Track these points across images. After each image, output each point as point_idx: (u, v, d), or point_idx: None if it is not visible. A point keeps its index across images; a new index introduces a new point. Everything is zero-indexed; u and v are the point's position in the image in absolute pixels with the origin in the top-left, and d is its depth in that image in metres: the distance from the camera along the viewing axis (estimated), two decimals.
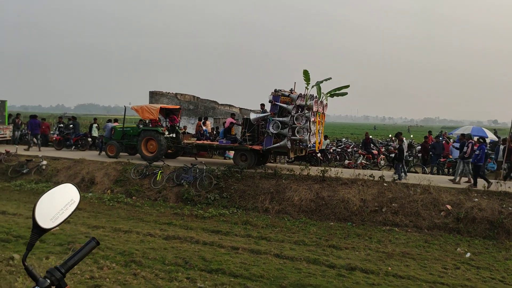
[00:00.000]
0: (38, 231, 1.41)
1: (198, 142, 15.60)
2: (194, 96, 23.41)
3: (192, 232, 9.28)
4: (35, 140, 18.31)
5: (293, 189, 11.81)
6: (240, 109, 22.87)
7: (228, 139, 14.59)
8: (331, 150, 18.41)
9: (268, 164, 14.68)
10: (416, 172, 14.86)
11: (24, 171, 14.55)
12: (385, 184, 11.52)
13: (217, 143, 14.79)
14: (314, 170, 12.56)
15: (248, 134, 13.91)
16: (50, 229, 1.44)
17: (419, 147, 19.94)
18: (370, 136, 18.62)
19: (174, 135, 16.04)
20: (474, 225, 9.80)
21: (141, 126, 16.29)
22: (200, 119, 17.94)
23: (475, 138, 13.59)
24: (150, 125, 15.79)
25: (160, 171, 13.27)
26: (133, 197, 12.48)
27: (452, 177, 12.67)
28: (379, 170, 15.44)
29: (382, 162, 17.32)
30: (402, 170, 12.56)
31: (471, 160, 11.73)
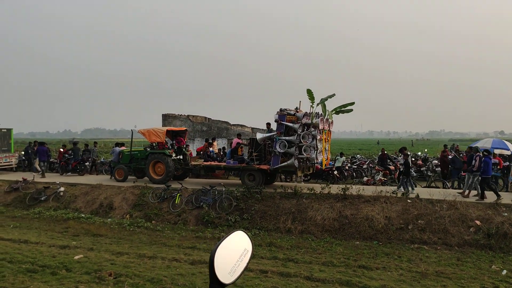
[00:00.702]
0: (218, 286, 1.36)
1: (205, 163, 15.61)
2: (205, 117, 23.52)
3: None
4: (37, 167, 18.45)
5: (314, 208, 11.63)
6: (252, 128, 22.90)
7: (235, 159, 14.58)
8: (347, 167, 18.24)
9: (287, 184, 14.52)
10: (437, 187, 14.59)
11: (42, 198, 14.55)
12: (408, 201, 11.30)
13: (225, 163, 14.80)
14: (335, 188, 12.38)
15: (255, 154, 13.94)
16: (229, 284, 1.39)
17: (435, 161, 19.72)
18: (386, 152, 18.43)
19: (181, 157, 16.06)
20: (506, 240, 9.51)
21: (148, 149, 16.33)
22: (206, 140, 17.88)
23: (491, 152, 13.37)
24: (157, 148, 15.82)
25: (178, 194, 13.18)
26: (153, 221, 12.37)
27: (461, 191, 12.46)
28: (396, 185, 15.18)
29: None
30: (409, 185, 12.48)
31: (479, 173, 11.62)
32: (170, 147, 16.44)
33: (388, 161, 17.05)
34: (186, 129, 17.55)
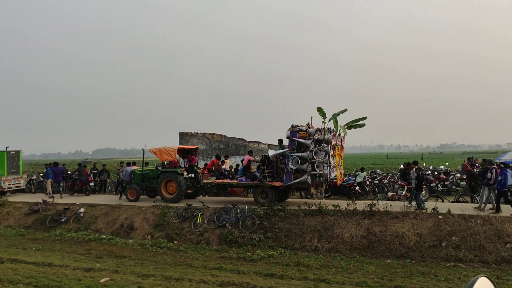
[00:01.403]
0: None
1: (217, 181, 15.44)
2: (221, 135, 23.47)
3: (245, 276, 8.82)
4: (49, 188, 18.50)
5: (341, 226, 11.30)
6: (269, 145, 22.73)
7: (248, 176, 14.42)
8: (368, 182, 17.87)
9: (311, 200, 14.19)
10: (465, 201, 14.11)
11: (63, 220, 14.47)
12: (440, 217, 10.90)
13: (237, 181, 14.65)
14: (360, 205, 12.05)
15: (267, 171, 13.78)
16: None
17: (458, 174, 19.22)
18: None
19: (193, 175, 15.93)
20: None
21: (159, 168, 16.26)
22: (218, 158, 17.77)
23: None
24: (169, 167, 15.73)
25: (200, 213, 12.98)
26: (175, 241, 12.15)
27: (477, 205, 12.03)
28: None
29: (424, 192, 16.61)
30: (421, 200, 12.17)
31: (495, 186, 11.25)
32: (182, 165, 16.36)
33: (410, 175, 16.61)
34: (197, 147, 17.50)
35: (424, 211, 11.49)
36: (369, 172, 21.83)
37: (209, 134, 22.56)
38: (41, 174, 22.39)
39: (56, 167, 18.60)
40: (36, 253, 11.20)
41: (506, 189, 11.23)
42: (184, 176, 15.34)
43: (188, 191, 15.72)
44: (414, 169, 12.93)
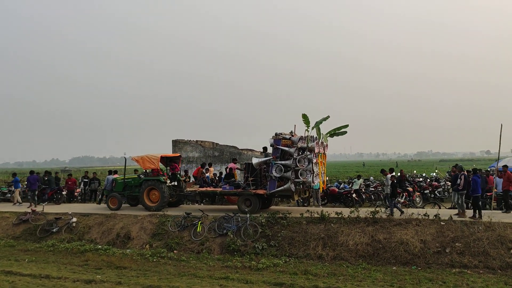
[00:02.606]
0: None
1: (201, 189, 15.38)
2: (213, 143, 23.24)
3: (254, 286, 8.64)
4: (16, 196, 17.87)
5: (345, 233, 11.25)
6: (261, 153, 22.63)
7: (232, 184, 14.43)
8: (363, 190, 17.94)
9: (314, 208, 14.10)
10: None
11: (54, 230, 13.94)
12: (442, 223, 10.99)
13: (221, 189, 14.63)
14: (363, 212, 12.05)
15: (251, 179, 13.88)
16: None
17: (448, 182, 19.48)
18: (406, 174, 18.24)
19: (175, 183, 15.90)
20: None
21: (142, 176, 16.13)
22: (202, 166, 17.57)
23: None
24: (151, 175, 15.64)
25: (200, 222, 12.73)
26: (175, 251, 11.85)
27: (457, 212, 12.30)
28: (417, 207, 14.86)
29: (418, 199, 16.81)
30: (394, 206, 12.48)
31: (465, 191, 11.97)
32: (167, 173, 16.36)
33: (406, 182, 16.81)
34: (180, 155, 17.46)
35: (401, 216, 11.76)
36: (363, 179, 21.97)
37: (202, 141, 22.33)
38: (6, 183, 21.48)
39: (32, 175, 18.08)
40: (30, 264, 10.71)
41: (479, 195, 11.80)
42: (167, 184, 15.28)
43: (171, 199, 15.67)
44: (388, 176, 13.22)
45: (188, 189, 15.79)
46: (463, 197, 12.09)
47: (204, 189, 15.38)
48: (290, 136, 13.34)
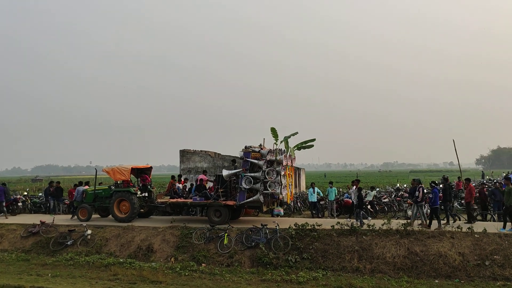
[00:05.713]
0: None
1: (171, 200, 15.43)
2: (215, 153, 22.83)
3: None
4: None
5: (380, 246, 11.12)
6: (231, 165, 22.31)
7: (202, 195, 14.61)
8: (375, 202, 17.90)
9: (343, 220, 13.92)
10: (479, 220, 14.37)
11: (69, 243, 13.31)
12: (476, 236, 11.01)
13: (191, 200, 14.79)
14: (394, 224, 11.97)
15: (221, 190, 14.26)
16: None
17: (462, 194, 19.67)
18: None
19: (146, 195, 16.04)
20: None
21: (112, 187, 16.14)
22: (173, 177, 17.37)
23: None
24: (122, 186, 15.65)
25: (226, 234, 12.38)
26: (203, 264, 11.45)
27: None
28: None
29: (425, 209, 16.87)
30: (360, 217, 12.88)
31: (423, 203, 12.69)
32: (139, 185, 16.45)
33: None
34: (151, 167, 17.47)
35: (365, 226, 12.10)
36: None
37: (205, 151, 21.90)
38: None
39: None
40: (57, 279, 10.11)
41: (437, 206, 12.40)
42: (137, 195, 15.31)
43: (141, 210, 15.72)
44: (355, 187, 13.56)
45: (159, 200, 15.85)
46: (422, 208, 12.69)
47: (174, 200, 15.40)
48: (259, 149, 13.83)
